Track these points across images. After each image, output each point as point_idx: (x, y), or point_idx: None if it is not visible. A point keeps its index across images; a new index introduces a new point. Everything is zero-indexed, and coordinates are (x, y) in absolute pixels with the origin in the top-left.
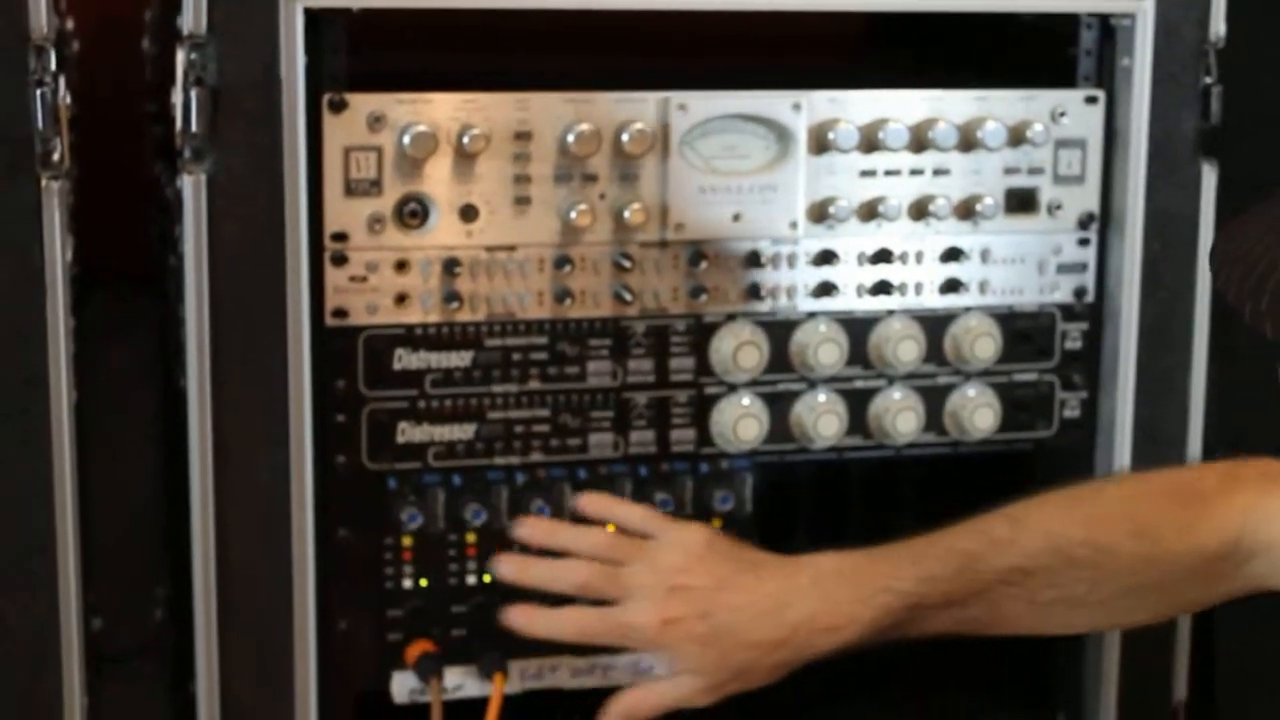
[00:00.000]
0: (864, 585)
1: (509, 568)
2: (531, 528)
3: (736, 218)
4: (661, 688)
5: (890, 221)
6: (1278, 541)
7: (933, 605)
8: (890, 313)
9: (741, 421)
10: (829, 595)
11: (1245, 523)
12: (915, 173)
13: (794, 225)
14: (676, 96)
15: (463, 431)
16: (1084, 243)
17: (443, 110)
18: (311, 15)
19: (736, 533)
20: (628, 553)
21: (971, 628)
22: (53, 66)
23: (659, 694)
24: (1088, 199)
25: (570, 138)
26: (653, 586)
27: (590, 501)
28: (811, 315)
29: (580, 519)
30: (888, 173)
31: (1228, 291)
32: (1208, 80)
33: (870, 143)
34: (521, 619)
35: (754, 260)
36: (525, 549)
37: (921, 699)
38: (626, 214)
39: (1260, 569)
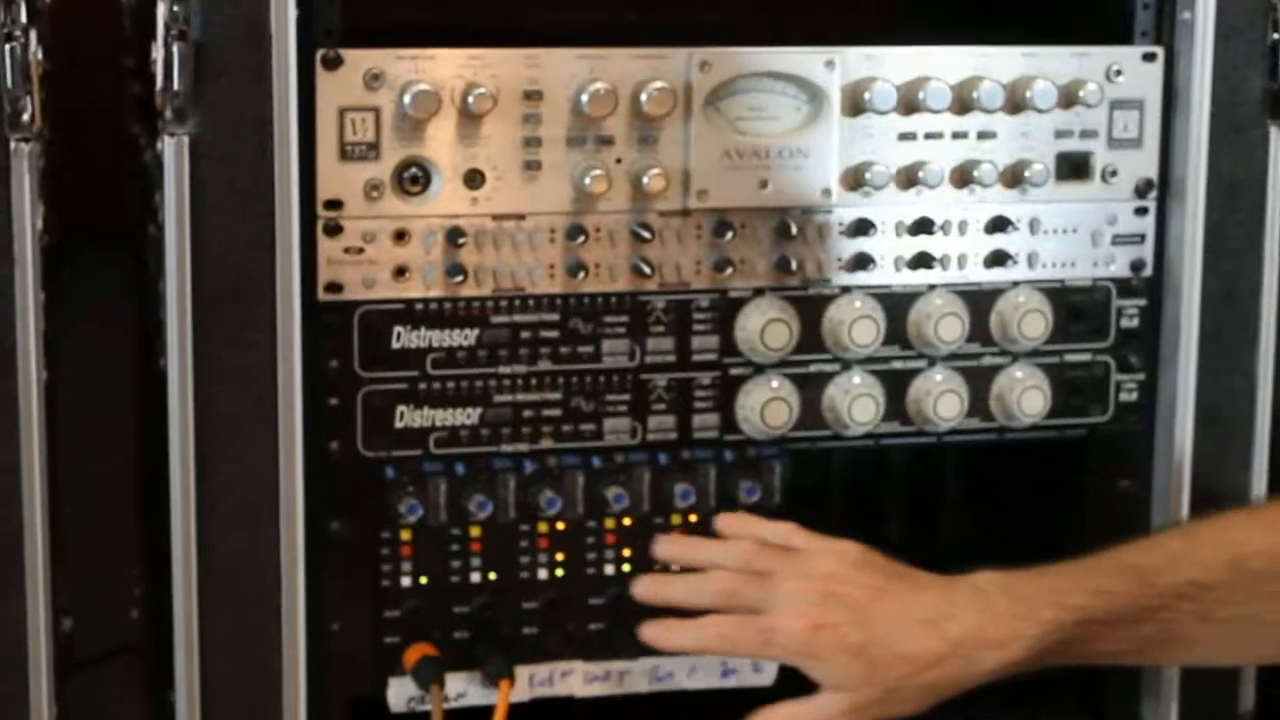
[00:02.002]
0: (1030, 599)
1: (647, 588)
2: (670, 544)
3: (764, 185)
4: (801, 709)
5: (931, 189)
6: None
7: (1105, 621)
8: (931, 288)
9: (769, 406)
10: (993, 609)
11: None
12: (958, 136)
13: (827, 193)
14: (699, 53)
15: (467, 416)
16: (1141, 212)
17: (446, 67)
18: None
19: None
20: (775, 561)
21: (1147, 649)
22: (23, 19)
23: (798, 714)
24: (1145, 164)
25: (584, 97)
26: (804, 591)
27: (729, 520)
28: (846, 290)
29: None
30: (928, 136)
31: None
32: (1276, 36)
33: (909, 103)
34: (658, 634)
35: (783, 231)
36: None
37: (967, 709)
38: (645, 180)
39: None
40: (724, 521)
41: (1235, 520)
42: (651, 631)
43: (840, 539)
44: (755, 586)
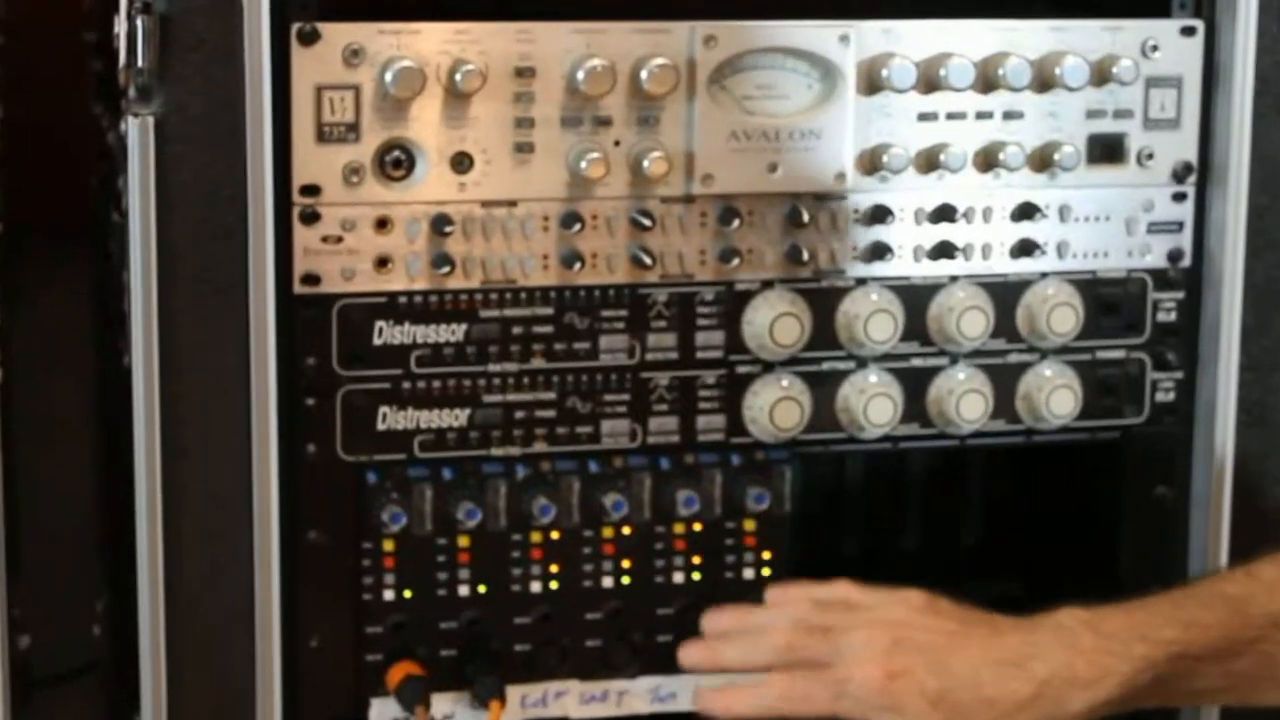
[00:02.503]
0: (1119, 635)
1: (697, 655)
2: (719, 617)
3: (774, 169)
4: None
5: (953, 173)
6: None
7: (1199, 656)
8: (953, 279)
9: (779, 406)
10: (1079, 646)
11: None
12: (982, 116)
13: (841, 177)
14: (704, 27)
15: (454, 418)
16: (1179, 197)
17: (431, 42)
18: None
19: (774, 535)
20: (836, 616)
21: (1244, 685)
22: None
23: None
24: (1184, 146)
25: (580, 75)
26: (873, 640)
27: (779, 588)
28: (861, 282)
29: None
30: (950, 116)
31: None
32: None
33: (930, 81)
34: (718, 702)
35: (794, 218)
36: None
37: None
38: (646, 164)
39: None
40: (773, 591)
41: None
42: (709, 700)
43: (905, 588)
44: (818, 640)
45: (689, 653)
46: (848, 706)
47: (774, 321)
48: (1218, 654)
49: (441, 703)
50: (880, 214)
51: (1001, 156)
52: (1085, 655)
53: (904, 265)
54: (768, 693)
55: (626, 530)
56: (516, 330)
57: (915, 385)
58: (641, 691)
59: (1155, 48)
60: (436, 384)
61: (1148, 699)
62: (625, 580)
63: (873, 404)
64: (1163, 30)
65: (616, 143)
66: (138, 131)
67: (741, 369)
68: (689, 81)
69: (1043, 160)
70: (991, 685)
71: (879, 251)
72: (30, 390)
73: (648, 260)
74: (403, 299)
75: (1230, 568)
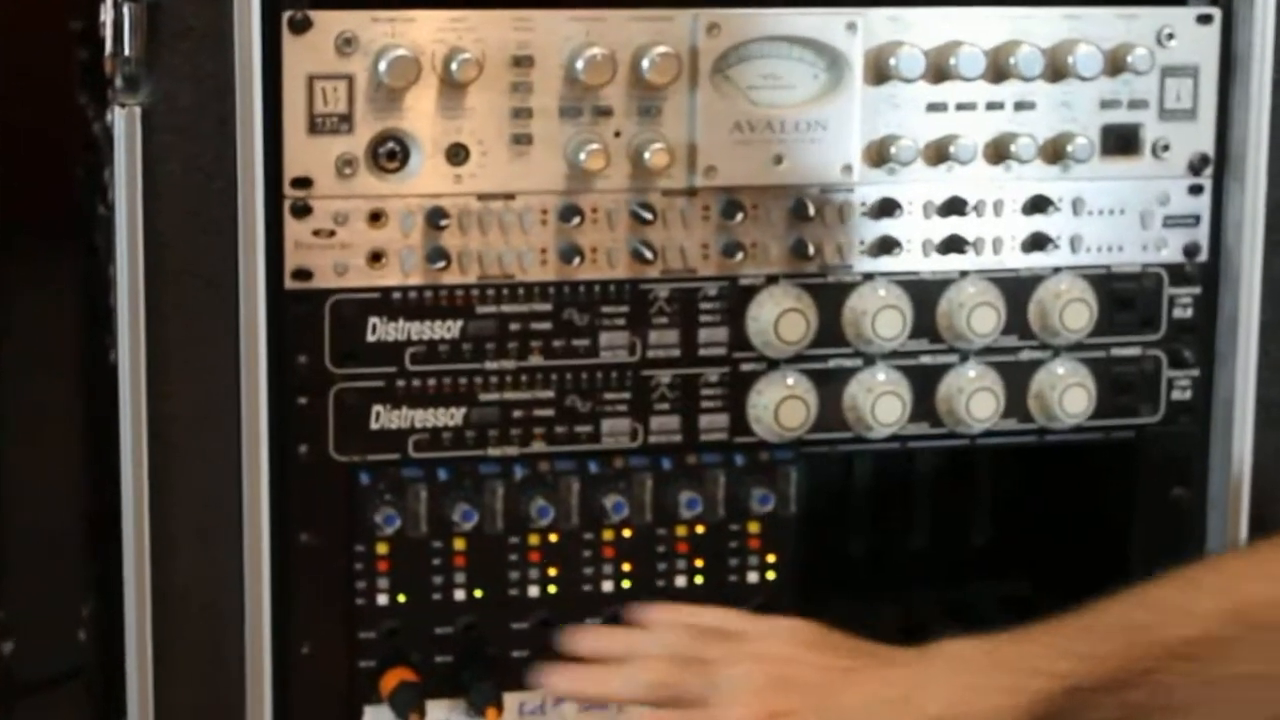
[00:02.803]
0: (1014, 667)
1: (560, 681)
2: (584, 638)
3: (778, 161)
4: None
5: (963, 165)
6: None
7: (1094, 688)
8: (963, 274)
9: (784, 405)
10: (971, 681)
11: None
12: (993, 107)
13: (848, 170)
14: (707, 14)
15: (450, 417)
16: (1196, 190)
17: (426, 30)
18: None
19: (779, 538)
20: (714, 647)
21: (1135, 716)
22: None
23: None
24: (1200, 137)
25: (579, 64)
26: (751, 676)
27: (654, 609)
28: (869, 277)
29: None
30: (960, 107)
31: None
32: None
33: (939, 71)
34: None
35: (800, 212)
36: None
37: None
38: (647, 156)
39: None
40: (642, 612)
41: (1241, 563)
42: None
43: (788, 617)
44: (694, 674)
45: (551, 677)
46: None
47: (779, 318)
48: (1113, 685)
49: (437, 710)
50: (888, 207)
51: (1013, 148)
52: (978, 691)
53: (912, 260)
54: None
55: (627, 533)
56: (514, 327)
57: (924, 383)
58: None
59: (1171, 36)
60: (432, 382)
61: None
62: (626, 584)
63: (880, 403)
64: (1179, 18)
65: (617, 134)
66: (124, 122)
67: (745, 367)
68: (691, 71)
69: (1055, 152)
70: None
71: (887, 246)
72: (13, 388)
73: (649, 255)
74: (397, 294)
75: (1133, 592)
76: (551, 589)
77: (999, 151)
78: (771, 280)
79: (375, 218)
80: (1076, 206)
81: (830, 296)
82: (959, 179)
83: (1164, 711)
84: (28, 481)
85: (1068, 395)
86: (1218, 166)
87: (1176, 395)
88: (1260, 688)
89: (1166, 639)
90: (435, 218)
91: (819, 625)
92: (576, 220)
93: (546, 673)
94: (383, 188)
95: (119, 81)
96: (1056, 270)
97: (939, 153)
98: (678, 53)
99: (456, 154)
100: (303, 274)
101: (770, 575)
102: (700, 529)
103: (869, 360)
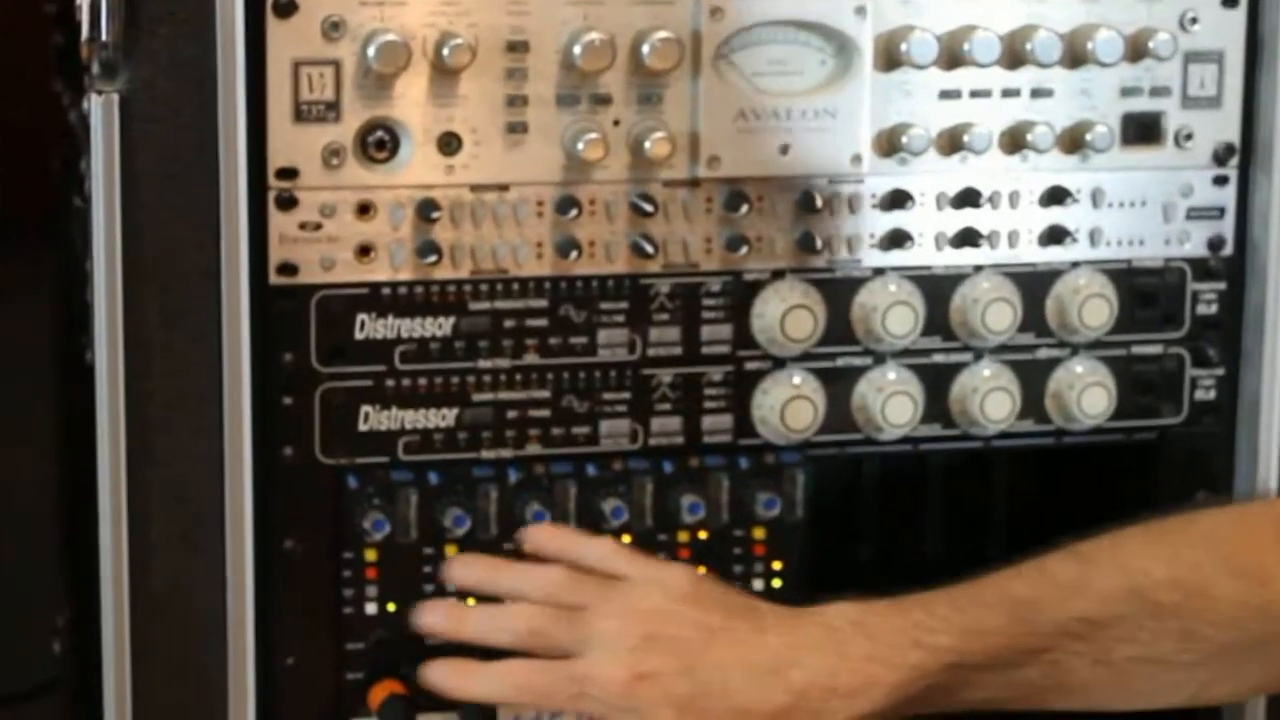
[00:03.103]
0: (890, 639)
1: (434, 617)
2: (464, 566)
3: (785, 150)
4: None
5: (977, 155)
6: None
7: (978, 665)
8: (977, 269)
9: (791, 405)
10: (845, 651)
11: None
12: (1009, 94)
13: (857, 160)
14: None
15: (441, 418)
16: (1221, 181)
17: (417, 14)
18: None
19: (785, 543)
20: (590, 594)
21: (1032, 695)
22: None
23: None
24: (1225, 126)
25: (577, 49)
26: (622, 633)
27: (540, 533)
28: (879, 272)
29: (527, 557)
30: (974, 94)
31: None
32: None
33: (953, 56)
34: (445, 677)
35: (807, 204)
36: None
37: None
38: (647, 145)
39: None
40: (532, 534)
41: (1138, 543)
42: (437, 674)
43: (671, 564)
44: (566, 625)
45: (428, 611)
46: (588, 706)
47: (785, 314)
48: (999, 663)
49: None
50: (899, 199)
51: (1029, 137)
52: (851, 662)
53: (925, 254)
54: (503, 683)
55: (627, 538)
56: (508, 324)
57: (937, 383)
58: None
59: (1195, 20)
60: (422, 381)
61: (918, 708)
62: None
63: (891, 403)
64: (1202, 1)
65: (616, 122)
66: (101, 110)
67: (750, 365)
68: (694, 56)
69: (1074, 141)
70: (744, 693)
71: (898, 239)
72: None
73: (649, 249)
74: (386, 290)
75: (1025, 563)
76: None
77: (1015, 141)
78: (777, 275)
79: (363, 210)
80: (1096, 198)
81: (839, 292)
82: (973, 169)
83: (1059, 691)
84: (2, 488)
85: (1086, 395)
86: (1243, 156)
87: (1200, 395)
88: (1158, 672)
89: (1059, 617)
90: (426, 210)
91: (699, 575)
92: (574, 213)
93: (424, 607)
94: (371, 179)
95: (95, 68)
96: (1075, 265)
97: (952, 142)
98: (679, 37)
99: (448, 143)
100: (288, 269)
101: (776, 583)
102: (703, 535)
103: (879, 359)
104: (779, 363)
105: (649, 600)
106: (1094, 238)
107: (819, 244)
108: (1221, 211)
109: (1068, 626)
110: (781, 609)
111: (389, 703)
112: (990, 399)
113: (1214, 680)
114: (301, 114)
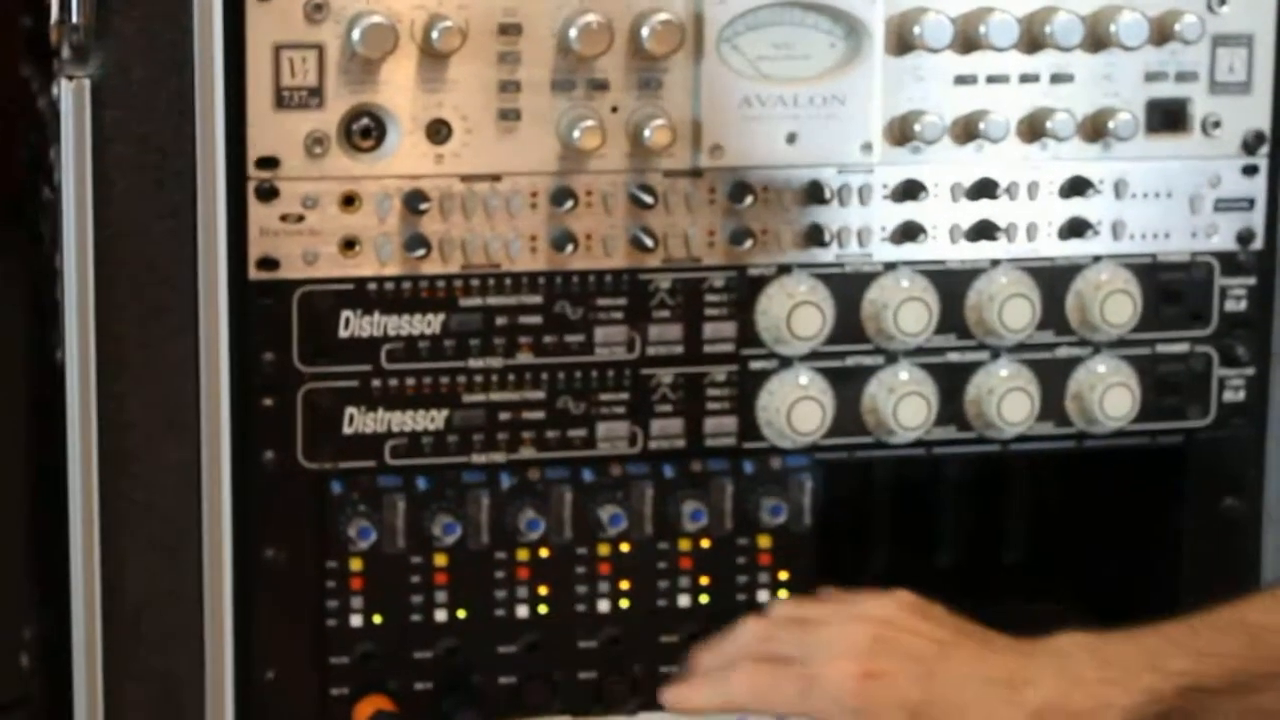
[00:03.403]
0: (1123, 663)
1: (676, 696)
2: (677, 694)
3: (792, 139)
4: None
5: (994, 144)
6: None
7: (1213, 690)
8: (994, 264)
9: (798, 406)
10: (1078, 674)
11: None
12: (1027, 79)
13: (867, 148)
14: None
15: (430, 420)
16: (1250, 171)
17: None
18: None
19: (792, 552)
20: (818, 609)
21: None
22: None
23: None
24: (1255, 113)
25: (573, 33)
26: (854, 634)
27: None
28: (891, 267)
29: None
30: (991, 79)
31: None
32: None
33: (968, 39)
34: (678, 696)
35: (815, 194)
36: None
37: None
38: (647, 133)
39: None
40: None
41: None
42: (671, 696)
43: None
44: (793, 632)
45: (667, 693)
46: (817, 706)
47: (791, 311)
48: (1234, 688)
49: None
50: (912, 190)
51: (1049, 125)
52: (1084, 685)
53: (939, 248)
54: (732, 685)
55: (625, 547)
56: (501, 321)
57: (951, 383)
58: None
59: (1223, 1)
60: (410, 382)
61: None
62: (624, 604)
63: (904, 404)
64: None
65: (614, 109)
66: (72, 96)
67: (755, 365)
68: (696, 40)
69: (1095, 129)
70: (978, 706)
71: (910, 232)
72: None
73: (649, 242)
74: (372, 286)
75: (1255, 595)
76: (542, 609)
77: (1034, 129)
78: (783, 270)
79: (348, 201)
80: (1119, 189)
81: (848, 288)
82: (989, 159)
83: None
84: None
85: (1109, 396)
86: (1274, 145)
87: (1229, 396)
88: None
89: None
90: (414, 201)
91: (921, 597)
92: (569, 204)
93: (664, 693)
94: (356, 168)
95: (66, 51)
96: (1097, 259)
97: (968, 130)
98: (680, 20)
99: (437, 131)
100: (268, 263)
101: (782, 594)
102: (705, 543)
103: (891, 358)
104: (785, 362)
105: (881, 609)
106: (1117, 230)
107: (827, 237)
108: (1251, 203)
109: None
110: (1009, 636)
111: (376, 719)
112: (1008, 400)
113: None
114: (283, 100)
